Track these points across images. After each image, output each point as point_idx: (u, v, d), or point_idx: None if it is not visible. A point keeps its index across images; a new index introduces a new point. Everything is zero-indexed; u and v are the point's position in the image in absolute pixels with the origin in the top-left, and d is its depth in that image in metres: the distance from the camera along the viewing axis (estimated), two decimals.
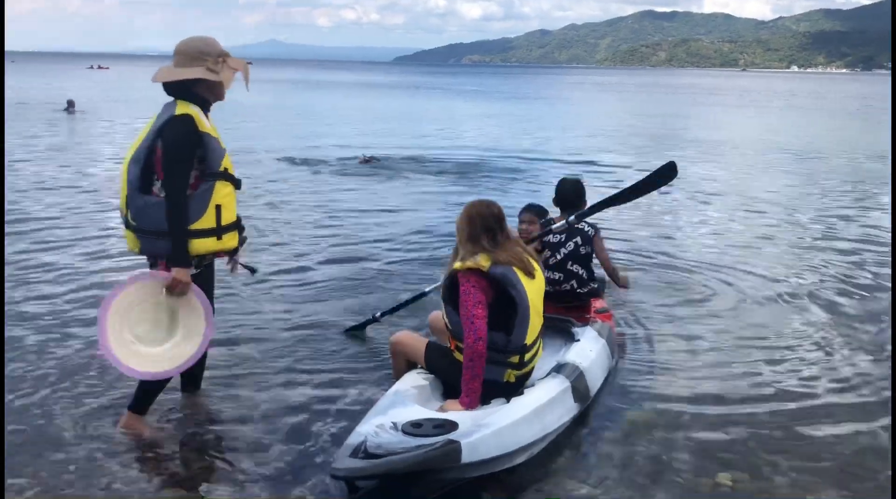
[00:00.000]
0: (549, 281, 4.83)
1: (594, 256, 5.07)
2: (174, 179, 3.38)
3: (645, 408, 4.14)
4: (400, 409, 3.34)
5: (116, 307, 3.42)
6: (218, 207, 3.50)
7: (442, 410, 3.48)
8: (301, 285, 6.32)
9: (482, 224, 3.66)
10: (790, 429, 3.90)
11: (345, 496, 3.09)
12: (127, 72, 77.48)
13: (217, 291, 3.93)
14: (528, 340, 3.64)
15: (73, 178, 11.86)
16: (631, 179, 13.22)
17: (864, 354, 4.92)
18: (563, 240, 4.93)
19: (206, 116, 3.58)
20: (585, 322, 4.65)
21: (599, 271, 5.26)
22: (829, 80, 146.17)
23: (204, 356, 3.82)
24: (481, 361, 3.49)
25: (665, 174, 4.80)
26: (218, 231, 3.52)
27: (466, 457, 3.01)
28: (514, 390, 3.65)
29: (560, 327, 4.61)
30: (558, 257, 4.92)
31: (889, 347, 5.00)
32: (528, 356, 3.68)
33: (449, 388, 3.74)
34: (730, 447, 3.71)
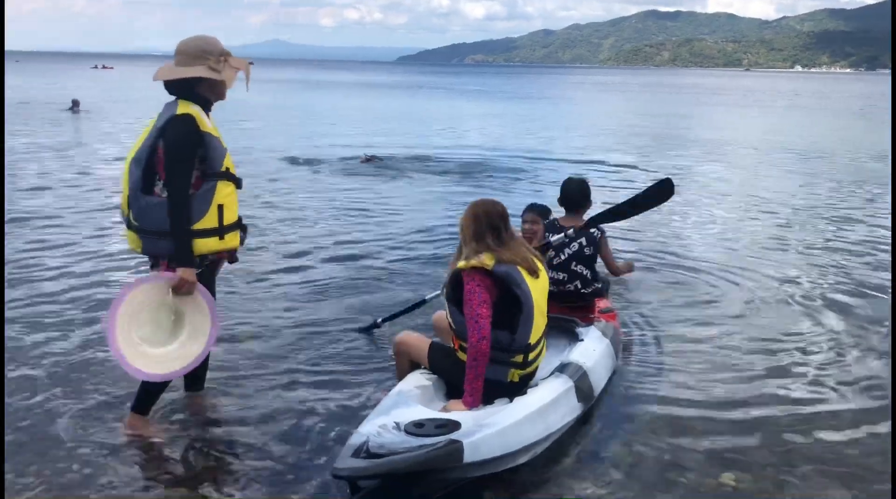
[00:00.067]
0: (553, 281, 4.81)
1: (598, 257, 5.06)
2: (176, 178, 3.37)
3: (649, 408, 4.13)
4: (403, 409, 3.33)
5: (125, 309, 3.42)
6: (220, 207, 3.49)
7: (445, 410, 3.47)
8: (303, 285, 6.31)
9: (487, 223, 3.65)
10: (795, 430, 3.89)
11: (347, 496, 3.08)
12: (130, 72, 77.65)
13: (219, 291, 3.93)
14: (532, 340, 3.63)
15: (76, 177, 11.87)
16: (635, 178, 13.29)
17: (871, 357, 4.90)
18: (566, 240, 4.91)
19: (208, 116, 3.57)
20: (589, 322, 4.64)
21: (604, 271, 5.24)
22: (833, 80, 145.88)
23: (206, 356, 3.81)
24: (484, 361, 3.48)
25: (663, 191, 4.78)
26: (220, 231, 3.51)
27: (469, 457, 3.00)
28: (517, 389, 3.64)
29: (564, 327, 4.60)
30: (562, 258, 4.91)
31: None
32: (531, 356, 3.67)
33: (452, 388, 3.73)
34: (734, 447, 3.70)
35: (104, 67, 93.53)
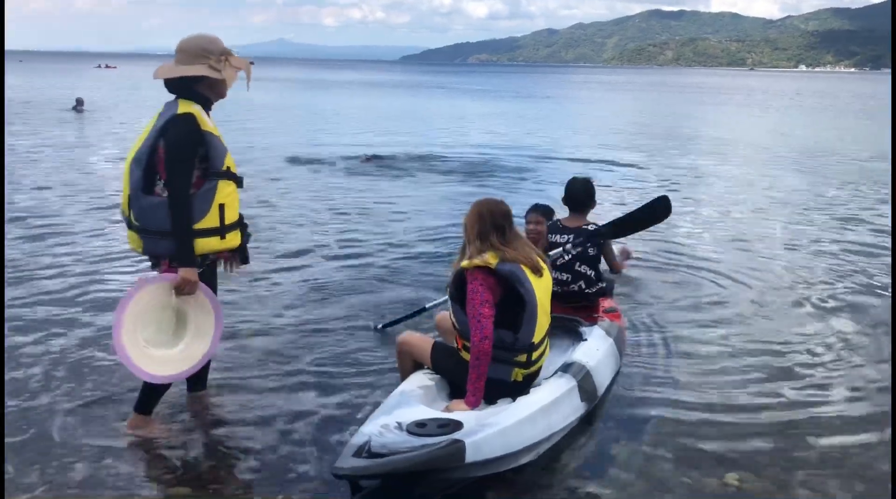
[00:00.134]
0: (557, 282, 4.80)
1: (602, 257, 5.04)
2: (177, 178, 3.36)
3: (653, 407, 4.11)
4: (405, 409, 3.33)
5: (130, 312, 3.41)
6: (221, 206, 3.48)
7: (447, 410, 3.47)
8: (305, 284, 6.30)
9: (492, 221, 3.65)
10: (799, 430, 3.88)
11: (348, 497, 3.07)
12: (134, 71, 77.74)
13: (220, 291, 3.92)
14: (536, 339, 3.63)
15: (78, 176, 11.89)
16: (640, 178, 13.27)
17: (876, 359, 4.86)
18: (570, 240, 4.90)
19: (208, 115, 3.56)
20: (593, 322, 4.62)
21: (605, 269, 5.23)
22: (838, 80, 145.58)
23: None
24: (487, 360, 3.47)
25: (660, 209, 4.74)
26: (221, 230, 3.51)
27: (471, 456, 2.99)
28: (521, 389, 3.63)
29: (568, 327, 4.59)
30: (566, 258, 4.89)
31: None
32: (535, 355, 3.66)
33: (455, 388, 3.72)
34: (737, 447, 3.69)
35: (108, 67, 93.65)
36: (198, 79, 3.50)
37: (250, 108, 26.88)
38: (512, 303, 3.58)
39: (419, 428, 3.11)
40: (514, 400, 3.52)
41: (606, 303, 4.97)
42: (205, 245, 3.46)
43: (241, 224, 3.65)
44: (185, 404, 3.98)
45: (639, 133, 23.36)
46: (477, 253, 3.60)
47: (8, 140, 16.01)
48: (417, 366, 3.92)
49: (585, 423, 3.84)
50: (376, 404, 3.61)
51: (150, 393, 3.64)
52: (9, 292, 5.70)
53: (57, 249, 7.19)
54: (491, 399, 3.56)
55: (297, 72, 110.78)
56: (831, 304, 6.01)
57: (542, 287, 3.65)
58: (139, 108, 26.98)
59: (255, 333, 5.10)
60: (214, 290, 3.70)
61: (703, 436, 3.80)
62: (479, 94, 52.66)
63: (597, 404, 3.99)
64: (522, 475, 3.35)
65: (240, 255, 3.76)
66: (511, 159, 15.44)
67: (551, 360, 4.02)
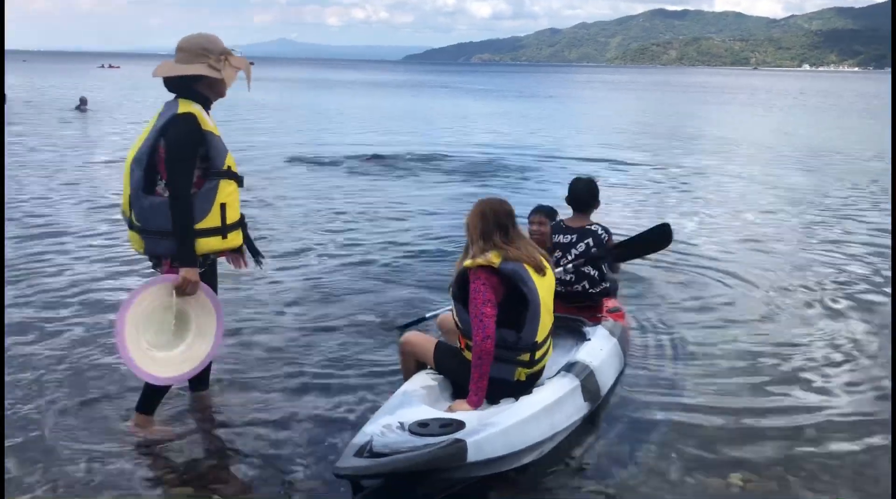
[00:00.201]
0: (561, 282, 4.79)
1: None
2: (178, 177, 3.35)
3: (657, 407, 4.10)
4: (407, 409, 3.32)
5: (133, 314, 3.40)
6: (223, 206, 3.47)
7: (450, 410, 3.46)
8: (308, 284, 6.30)
9: (495, 221, 3.64)
10: (804, 430, 3.87)
11: (350, 496, 3.06)
12: (137, 71, 77.84)
13: (223, 290, 3.92)
14: (539, 338, 3.62)
15: (81, 176, 11.90)
16: (643, 177, 13.24)
17: (883, 361, 4.83)
18: (573, 241, 4.88)
19: (208, 114, 3.54)
20: (597, 322, 4.61)
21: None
22: (842, 79, 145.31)
23: None
24: (489, 360, 3.46)
25: (662, 236, 4.72)
26: (223, 230, 3.50)
27: (472, 456, 2.99)
28: (524, 388, 3.62)
29: (571, 327, 4.57)
30: (569, 258, 4.88)
31: None
32: (538, 354, 3.65)
33: (458, 388, 3.71)
34: (742, 447, 3.68)
35: (111, 67, 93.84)
36: (197, 78, 3.49)
37: (252, 108, 26.89)
38: (515, 302, 3.57)
39: (421, 428, 3.10)
40: (517, 400, 3.51)
41: (610, 303, 4.96)
42: (206, 245, 3.46)
43: (241, 223, 3.64)
44: (187, 404, 3.97)
45: (642, 132, 23.34)
46: (480, 252, 3.59)
47: (11, 139, 16.04)
48: (420, 366, 3.91)
49: (589, 423, 3.83)
50: (379, 405, 3.60)
51: (152, 393, 3.63)
52: (9, 292, 5.70)
53: (58, 250, 7.19)
54: (494, 399, 3.55)
55: (300, 72, 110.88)
56: (838, 304, 5.98)
57: (545, 286, 3.64)
58: (143, 108, 27.01)
59: (258, 333, 5.09)
60: (215, 290, 3.69)
61: (707, 436, 3.79)
62: (482, 93, 52.65)
63: (600, 403, 3.98)
64: (525, 475, 3.34)
65: (252, 252, 3.76)
66: (514, 159, 15.42)
67: (555, 360, 4.01)
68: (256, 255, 3.82)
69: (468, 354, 3.59)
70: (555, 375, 3.80)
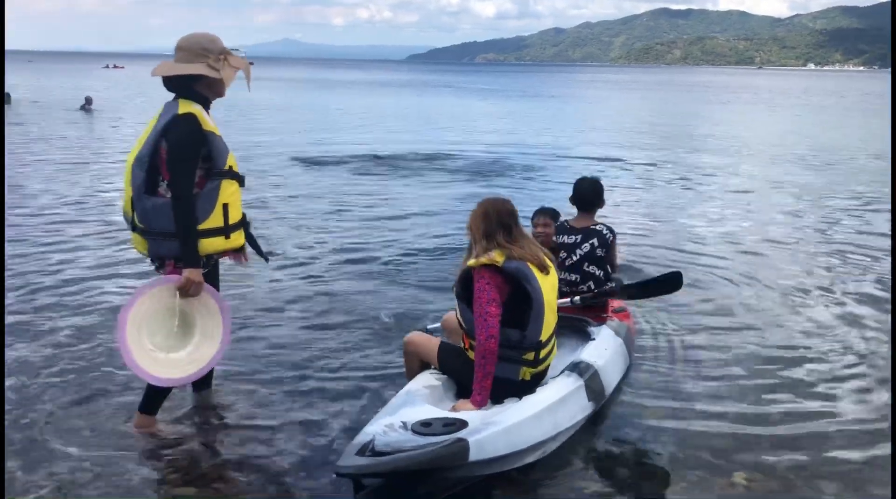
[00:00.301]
0: (566, 282, 4.79)
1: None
2: (180, 178, 3.35)
3: (661, 407, 4.09)
4: (410, 409, 3.31)
5: (133, 318, 3.39)
6: (225, 206, 3.47)
7: (454, 410, 3.45)
8: (311, 284, 6.30)
9: (497, 220, 3.64)
10: (808, 431, 3.85)
11: (352, 496, 3.07)
12: (141, 71, 77.95)
13: (226, 290, 3.93)
14: (543, 337, 3.61)
15: (85, 176, 11.91)
16: (648, 176, 13.22)
17: (884, 362, 4.80)
18: (578, 241, 4.87)
19: (208, 114, 3.54)
20: (602, 321, 4.60)
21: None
22: (847, 78, 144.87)
23: None
24: (493, 359, 3.46)
25: (671, 283, 4.70)
26: (226, 230, 3.49)
27: (474, 455, 2.98)
28: (528, 388, 3.61)
29: (576, 327, 4.57)
30: (574, 259, 4.87)
31: None
32: (543, 353, 3.65)
33: (462, 388, 3.71)
34: (746, 447, 3.67)
35: (115, 67, 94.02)
36: (196, 78, 3.49)
37: (256, 108, 26.91)
38: (519, 301, 3.56)
39: (424, 427, 3.10)
40: (520, 399, 3.51)
41: (616, 303, 4.95)
42: (210, 245, 3.45)
43: (244, 223, 3.64)
44: (190, 404, 3.98)
45: (647, 132, 23.29)
46: (483, 252, 3.59)
47: (17, 139, 16.08)
48: (424, 366, 3.90)
49: (593, 422, 3.82)
50: (382, 404, 3.60)
51: (155, 394, 3.63)
52: (10, 293, 5.71)
53: (60, 250, 7.19)
54: (498, 398, 3.55)
55: (303, 71, 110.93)
56: (846, 308, 5.92)
57: (548, 285, 3.64)
58: (149, 108, 27.04)
59: (259, 333, 5.09)
60: (217, 290, 3.69)
61: (711, 435, 3.78)
62: (486, 93, 52.61)
63: (605, 403, 3.97)
64: (529, 475, 3.33)
65: (258, 253, 3.77)
66: (518, 159, 15.40)
67: (559, 360, 4.00)
68: (262, 255, 3.83)
69: (472, 354, 3.59)
70: (559, 374, 3.80)
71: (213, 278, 3.65)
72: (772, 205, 10.65)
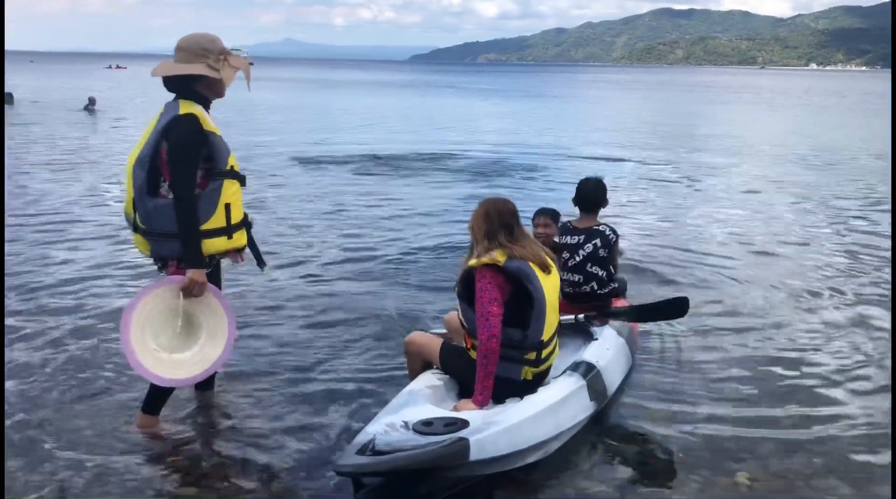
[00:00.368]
0: (568, 283, 4.78)
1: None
2: (181, 179, 3.35)
3: (664, 407, 4.08)
4: (412, 408, 3.31)
5: (137, 319, 3.39)
6: (227, 206, 3.46)
7: (455, 410, 3.44)
8: (314, 283, 6.30)
9: (499, 220, 3.63)
10: (810, 431, 3.84)
11: (352, 495, 3.06)
12: (143, 71, 78.06)
13: (226, 289, 3.92)
14: (545, 337, 3.61)
15: (87, 176, 11.92)
16: (649, 176, 13.20)
17: (887, 362, 4.79)
18: (581, 242, 4.86)
19: (208, 114, 3.54)
20: (604, 322, 4.59)
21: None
22: (849, 78, 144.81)
23: None
24: (494, 359, 3.45)
25: (677, 308, 4.69)
26: (228, 230, 3.49)
27: (475, 454, 2.97)
28: (530, 388, 3.60)
29: (578, 327, 4.56)
30: (577, 259, 4.86)
31: None
32: (544, 353, 3.64)
33: (464, 388, 3.70)
34: (749, 447, 3.66)
35: (118, 67, 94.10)
36: (196, 78, 3.48)
37: (257, 109, 26.92)
38: (521, 300, 3.56)
39: (425, 427, 3.09)
40: (522, 399, 3.50)
41: (619, 303, 4.93)
42: (212, 245, 3.45)
43: (245, 223, 3.64)
44: (193, 404, 3.97)
45: (649, 132, 23.28)
46: (485, 252, 3.58)
47: (19, 140, 16.10)
48: (426, 366, 3.90)
49: (595, 422, 3.81)
50: (384, 404, 3.60)
51: (158, 394, 3.63)
52: (11, 293, 5.71)
53: (61, 251, 7.19)
54: (500, 398, 3.54)
55: (306, 72, 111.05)
56: (851, 309, 5.89)
57: (550, 285, 3.63)
58: (152, 108, 26.99)
59: (261, 333, 5.09)
60: (219, 289, 3.69)
61: (713, 435, 3.77)
62: (488, 93, 52.61)
63: (607, 403, 3.96)
64: (531, 474, 3.33)
65: (255, 257, 3.76)
66: (521, 159, 15.39)
67: (562, 359, 3.99)
68: (259, 260, 3.81)
69: (474, 354, 3.59)
70: (561, 374, 3.79)
71: (214, 278, 3.64)
72: (776, 205, 10.62)
